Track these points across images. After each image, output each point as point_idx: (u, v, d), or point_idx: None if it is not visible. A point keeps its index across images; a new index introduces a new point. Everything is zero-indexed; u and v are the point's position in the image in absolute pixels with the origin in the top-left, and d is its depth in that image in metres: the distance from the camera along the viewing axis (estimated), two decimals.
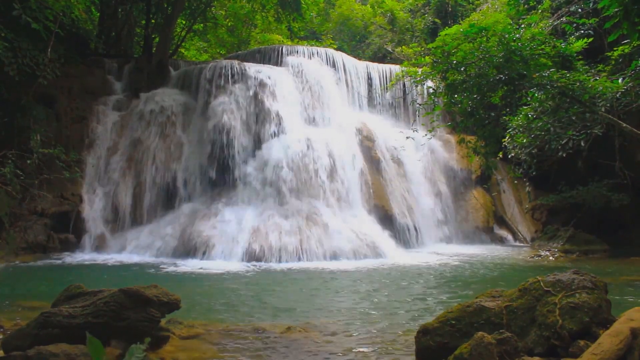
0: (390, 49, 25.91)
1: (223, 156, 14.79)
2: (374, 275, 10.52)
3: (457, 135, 15.39)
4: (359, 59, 21.19)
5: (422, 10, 26.72)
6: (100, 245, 13.64)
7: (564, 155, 11.51)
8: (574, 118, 10.58)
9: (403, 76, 17.25)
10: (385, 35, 27.15)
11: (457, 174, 18.00)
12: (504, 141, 12.25)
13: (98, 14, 20.06)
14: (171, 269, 10.96)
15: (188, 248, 12.69)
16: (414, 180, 16.94)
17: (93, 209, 14.20)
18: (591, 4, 14.56)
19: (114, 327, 4.33)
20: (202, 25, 23.69)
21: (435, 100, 12.67)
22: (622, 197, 14.52)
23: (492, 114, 11.79)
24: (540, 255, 13.20)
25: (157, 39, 19.58)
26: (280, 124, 15.31)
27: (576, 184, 15.40)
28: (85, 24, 17.02)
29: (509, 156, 13.19)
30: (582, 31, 14.23)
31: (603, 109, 10.31)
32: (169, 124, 15.61)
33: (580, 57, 12.12)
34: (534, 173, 13.35)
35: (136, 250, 13.20)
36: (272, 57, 18.40)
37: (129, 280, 9.30)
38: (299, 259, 12.12)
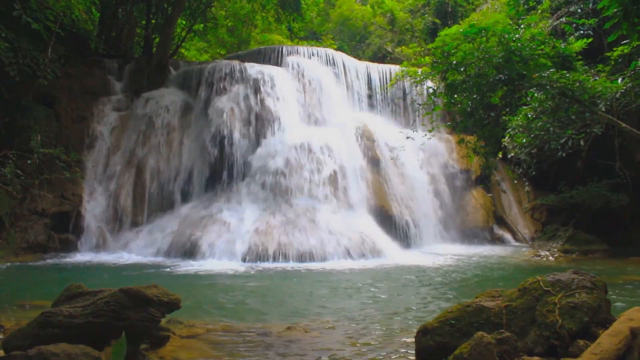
0: (390, 49, 25.92)
1: (223, 156, 14.81)
2: (374, 275, 10.52)
3: (457, 135, 15.40)
4: (359, 59, 21.19)
5: (422, 11, 26.73)
6: (100, 245, 13.65)
7: (564, 155, 11.51)
8: (573, 117, 10.58)
9: (403, 76, 17.27)
10: (385, 35, 27.15)
11: (457, 174, 18.00)
12: (504, 141, 12.25)
13: (98, 14, 20.05)
14: (171, 268, 10.97)
15: (188, 248, 12.70)
16: (414, 180, 16.94)
17: (93, 209, 14.21)
18: (591, 4, 14.57)
19: (114, 327, 4.33)
20: (202, 25, 23.68)
21: (435, 100, 12.66)
22: (622, 197, 14.53)
23: (492, 114, 11.79)
24: (539, 255, 13.21)
25: (158, 39, 19.58)
26: (280, 124, 15.32)
27: (576, 184, 15.40)
28: (85, 24, 17.01)
29: (509, 156, 13.19)
30: (582, 31, 14.23)
31: (603, 109, 10.32)
32: (169, 124, 15.62)
33: (579, 57, 12.12)
34: (533, 173, 13.36)
35: (136, 250, 13.21)
36: (272, 57, 18.40)
37: (129, 280, 9.32)
38: (299, 259, 12.12)
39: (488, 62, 10.48)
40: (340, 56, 19.08)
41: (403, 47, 24.85)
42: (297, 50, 18.58)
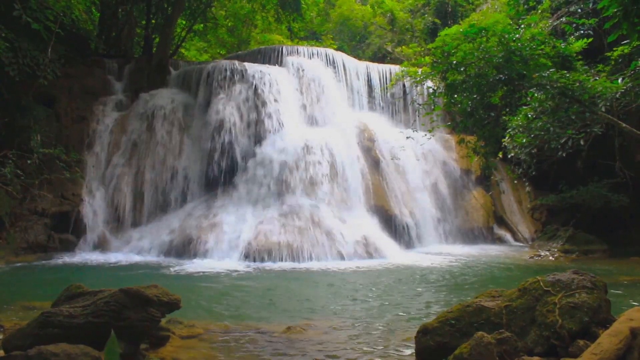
0: (390, 49, 25.92)
1: (223, 156, 14.81)
2: (374, 275, 10.52)
3: (457, 135, 15.40)
4: (359, 59, 21.21)
5: (422, 11, 26.74)
6: (100, 245, 13.66)
7: (564, 155, 11.52)
8: (573, 117, 10.58)
9: (403, 76, 17.26)
10: (385, 35, 27.16)
11: (457, 174, 18.00)
12: (504, 141, 12.26)
13: (98, 14, 20.06)
14: (171, 268, 10.97)
15: (188, 248, 12.70)
16: (414, 181, 16.94)
17: (93, 209, 14.21)
18: (591, 4, 14.57)
19: (114, 327, 4.33)
20: (202, 25, 23.70)
21: (435, 100, 12.66)
22: (622, 197, 14.54)
23: (492, 114, 11.79)
24: (540, 255, 13.21)
25: (157, 39, 19.59)
26: (280, 123, 15.33)
27: (576, 184, 15.41)
28: (85, 24, 17.02)
29: (509, 156, 13.19)
30: (582, 31, 14.24)
31: (603, 109, 10.32)
32: (169, 124, 15.63)
33: (579, 57, 12.12)
34: (533, 173, 13.36)
35: (136, 250, 13.21)
36: (272, 57, 18.42)
37: (129, 280, 9.32)
38: (299, 259, 12.12)
39: (488, 62, 10.47)
40: (340, 56, 19.09)
41: (403, 47, 24.86)
42: (297, 50, 18.59)
